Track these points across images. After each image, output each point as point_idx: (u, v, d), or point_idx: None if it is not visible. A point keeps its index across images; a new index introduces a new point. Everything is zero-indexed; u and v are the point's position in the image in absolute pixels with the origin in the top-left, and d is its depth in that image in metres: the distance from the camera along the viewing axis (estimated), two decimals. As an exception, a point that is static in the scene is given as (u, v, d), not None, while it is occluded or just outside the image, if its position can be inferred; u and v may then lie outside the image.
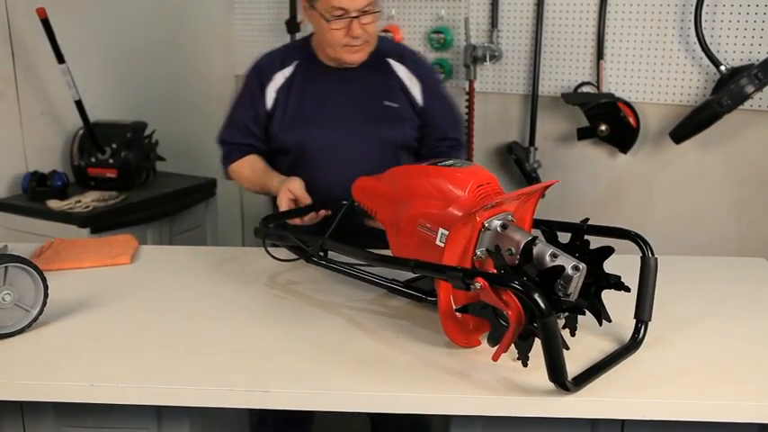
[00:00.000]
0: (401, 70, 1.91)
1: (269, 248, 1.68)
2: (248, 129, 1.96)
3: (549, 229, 1.37)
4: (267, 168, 1.95)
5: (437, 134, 1.99)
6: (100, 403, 1.24)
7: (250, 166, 1.97)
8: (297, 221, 1.79)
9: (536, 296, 1.09)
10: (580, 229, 1.34)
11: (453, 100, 2.08)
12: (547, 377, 1.13)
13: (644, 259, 1.31)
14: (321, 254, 1.59)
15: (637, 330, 1.33)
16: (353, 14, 1.75)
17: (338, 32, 1.78)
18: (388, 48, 1.96)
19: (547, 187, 1.38)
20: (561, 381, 1.13)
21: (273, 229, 1.72)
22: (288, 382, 1.21)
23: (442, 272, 1.24)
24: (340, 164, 1.87)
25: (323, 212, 1.80)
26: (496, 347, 1.18)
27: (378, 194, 1.53)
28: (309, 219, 1.79)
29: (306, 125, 1.91)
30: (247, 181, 1.98)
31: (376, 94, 1.90)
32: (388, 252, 1.48)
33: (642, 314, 1.32)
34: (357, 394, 1.20)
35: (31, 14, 2.46)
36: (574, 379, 1.15)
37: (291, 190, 1.80)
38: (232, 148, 2.00)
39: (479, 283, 1.15)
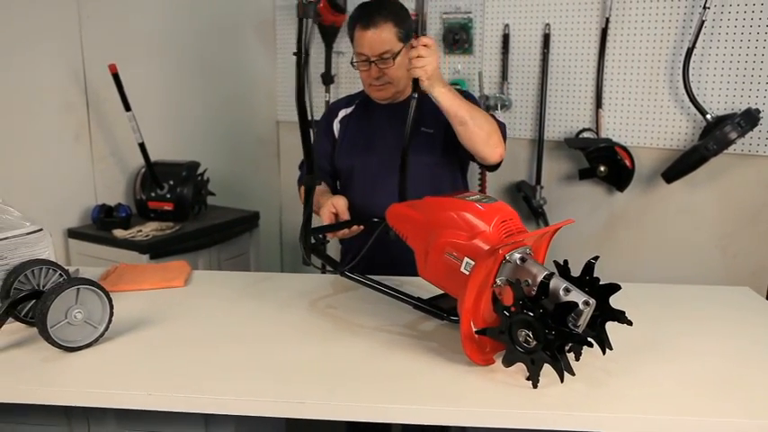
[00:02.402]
0: None
1: (311, 264, 1.70)
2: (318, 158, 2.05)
3: (564, 264, 1.35)
4: (325, 191, 1.98)
5: None
6: (156, 410, 1.24)
7: None
8: (331, 235, 1.81)
9: None
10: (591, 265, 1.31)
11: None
12: (550, 396, 1.10)
13: None
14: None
15: None
16: (372, 59, 1.82)
17: (364, 73, 1.88)
18: None
19: (561, 226, 1.37)
20: None
21: (314, 253, 1.72)
22: (322, 395, 1.20)
23: None
24: (380, 186, 1.89)
25: (355, 228, 1.81)
26: None
27: (410, 221, 1.50)
28: (343, 234, 1.82)
29: (355, 153, 1.98)
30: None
31: (414, 122, 1.91)
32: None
33: None
34: (384, 406, 1.18)
35: (103, 70, 2.52)
36: None
37: (335, 205, 1.82)
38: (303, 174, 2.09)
39: None
